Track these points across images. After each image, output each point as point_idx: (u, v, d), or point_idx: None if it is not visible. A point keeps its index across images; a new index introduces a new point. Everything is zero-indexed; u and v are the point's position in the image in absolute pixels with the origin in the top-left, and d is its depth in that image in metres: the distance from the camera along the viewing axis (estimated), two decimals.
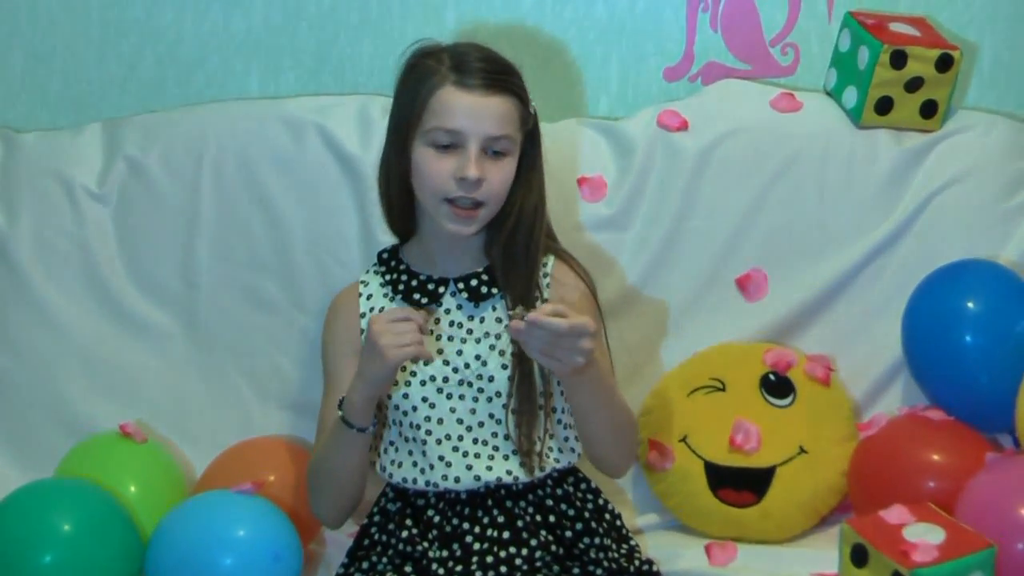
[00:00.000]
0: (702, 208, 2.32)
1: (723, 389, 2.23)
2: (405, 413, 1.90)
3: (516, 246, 1.89)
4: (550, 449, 1.92)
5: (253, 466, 2.14)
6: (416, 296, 1.92)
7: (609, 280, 2.22)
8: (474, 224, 1.87)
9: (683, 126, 2.34)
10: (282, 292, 2.29)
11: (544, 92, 1.99)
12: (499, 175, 1.85)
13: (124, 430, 2.19)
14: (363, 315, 1.96)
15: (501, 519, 1.91)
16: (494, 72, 1.85)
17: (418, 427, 1.90)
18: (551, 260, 1.96)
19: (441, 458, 1.89)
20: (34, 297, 2.31)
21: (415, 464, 1.91)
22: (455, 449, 1.89)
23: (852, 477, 2.19)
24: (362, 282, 1.99)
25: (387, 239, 2.18)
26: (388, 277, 1.96)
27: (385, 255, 2.00)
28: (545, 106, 1.99)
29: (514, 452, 1.87)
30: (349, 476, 1.88)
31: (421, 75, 1.86)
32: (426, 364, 1.81)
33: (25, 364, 2.30)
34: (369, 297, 1.98)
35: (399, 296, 1.92)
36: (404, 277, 1.95)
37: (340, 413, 1.82)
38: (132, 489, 2.11)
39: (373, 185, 2.21)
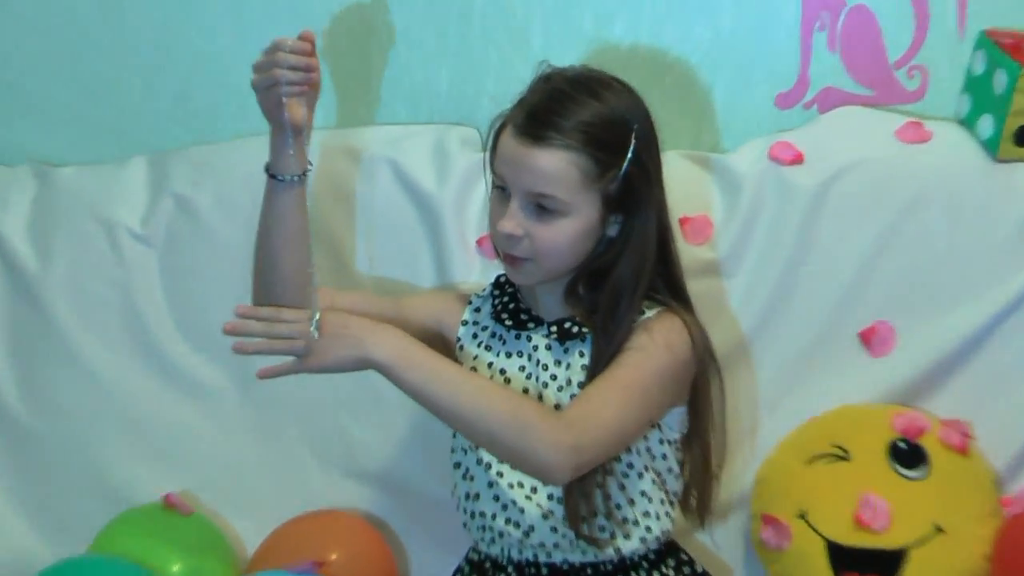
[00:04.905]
0: (819, 252, 2.24)
1: (846, 458, 2.15)
2: (476, 445, 1.88)
3: (606, 320, 1.83)
4: (623, 521, 1.86)
5: (313, 543, 2.12)
6: (504, 316, 1.90)
7: (713, 333, 1.99)
8: (524, 276, 1.84)
9: (797, 159, 2.27)
10: None
11: None
12: (547, 235, 1.80)
13: (168, 501, 2.17)
14: (464, 322, 1.95)
15: None
16: (550, 122, 1.78)
17: (488, 466, 1.87)
18: (655, 310, 1.86)
19: (514, 502, 1.86)
20: (69, 350, 2.28)
21: (496, 498, 1.87)
22: (528, 498, 1.85)
23: (996, 560, 2.11)
24: (476, 294, 1.98)
25: (465, 285, 2.17)
26: (498, 300, 1.94)
27: (502, 279, 1.96)
28: None
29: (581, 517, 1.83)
30: (272, 240, 1.82)
31: (508, 109, 1.84)
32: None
33: (59, 425, 2.27)
34: (477, 310, 1.96)
35: (496, 321, 1.91)
36: (507, 299, 1.93)
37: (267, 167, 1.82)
38: (176, 568, 2.10)
39: (451, 225, 2.23)
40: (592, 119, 1.78)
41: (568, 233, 1.80)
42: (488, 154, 1.86)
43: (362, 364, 1.70)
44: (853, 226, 2.23)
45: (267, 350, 1.70)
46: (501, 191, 1.82)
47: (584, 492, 1.80)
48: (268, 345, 1.70)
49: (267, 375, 1.70)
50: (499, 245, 1.84)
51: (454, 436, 1.92)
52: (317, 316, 1.67)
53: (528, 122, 1.78)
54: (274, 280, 1.83)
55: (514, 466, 1.80)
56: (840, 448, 2.15)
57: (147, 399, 2.27)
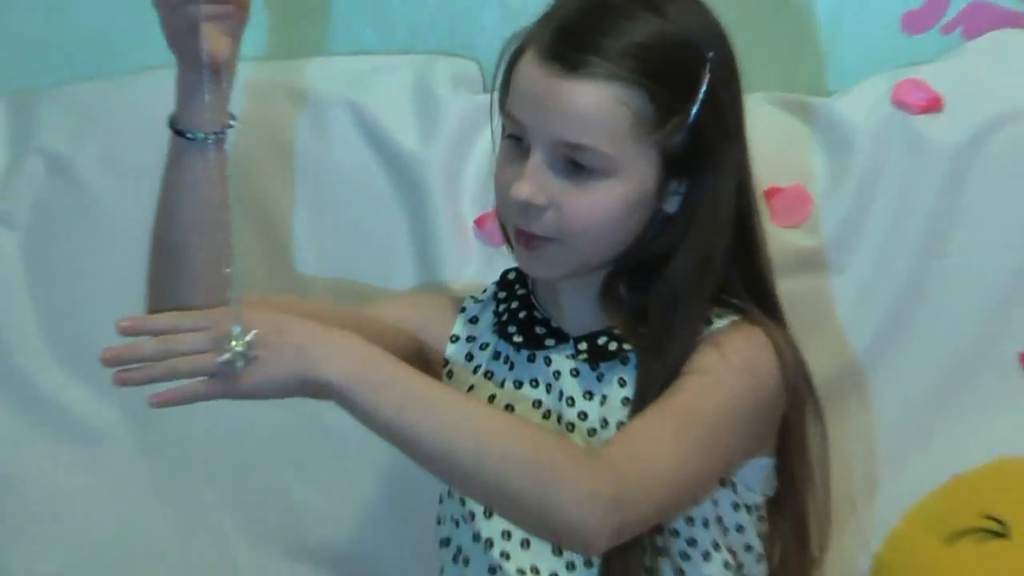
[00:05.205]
0: (963, 236, 1.95)
1: (1004, 534, 1.87)
2: (472, 515, 1.70)
3: (658, 333, 1.63)
4: None
5: None
6: (511, 329, 1.71)
7: (814, 351, 1.72)
8: (545, 265, 1.64)
9: (933, 105, 1.97)
10: None
11: None
12: (582, 203, 1.60)
13: None
14: (454, 337, 1.76)
15: None
16: (590, 41, 1.59)
17: (490, 543, 1.67)
18: (729, 318, 1.65)
19: (522, 572, 1.65)
20: None
21: (494, 572, 1.69)
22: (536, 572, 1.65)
23: None
24: (472, 298, 1.81)
25: (457, 285, 1.96)
26: (504, 307, 1.75)
27: (512, 275, 1.77)
28: None
29: None
30: (177, 223, 1.64)
31: (529, 26, 1.66)
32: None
33: None
34: (473, 321, 1.78)
35: (500, 336, 1.75)
36: (515, 304, 1.74)
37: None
38: None
39: (439, 198, 2.02)
40: (649, 40, 1.56)
41: (611, 202, 1.60)
42: (498, 93, 1.66)
43: (307, 387, 1.43)
44: (1012, 200, 1.95)
45: (165, 374, 1.42)
46: (516, 142, 1.61)
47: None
48: (167, 369, 1.42)
49: (164, 402, 1.42)
50: (510, 219, 1.64)
51: (441, 501, 1.71)
52: (250, 336, 1.36)
53: (558, 42, 1.57)
54: (178, 279, 1.63)
55: (529, 528, 1.57)
56: (995, 520, 1.88)
57: (7, 446, 2.00)
